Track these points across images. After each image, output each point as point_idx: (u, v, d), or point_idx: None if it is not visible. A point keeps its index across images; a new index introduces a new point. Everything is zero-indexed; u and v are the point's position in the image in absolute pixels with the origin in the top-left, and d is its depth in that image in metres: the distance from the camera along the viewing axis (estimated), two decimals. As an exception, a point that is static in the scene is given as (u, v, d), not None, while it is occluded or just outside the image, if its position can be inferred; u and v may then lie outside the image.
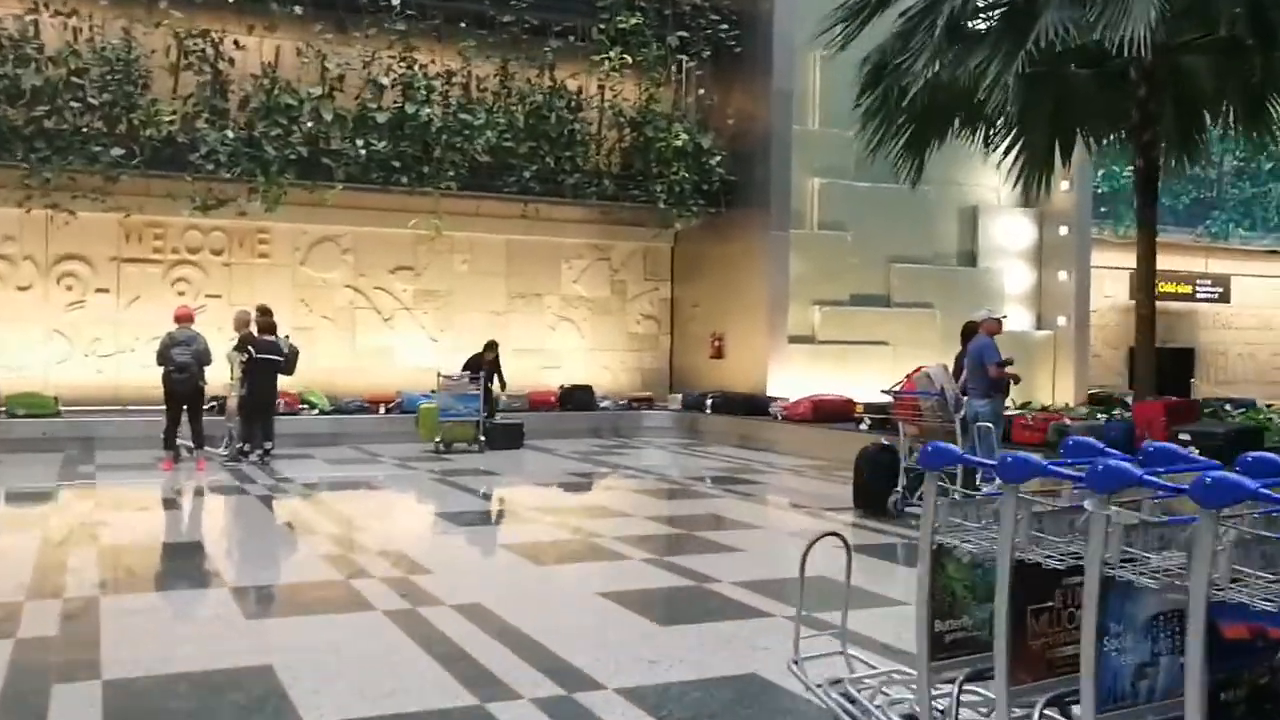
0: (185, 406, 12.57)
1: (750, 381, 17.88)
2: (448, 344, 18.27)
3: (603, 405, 18.63)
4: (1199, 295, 23.50)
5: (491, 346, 15.96)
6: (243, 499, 10.64)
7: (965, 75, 11.32)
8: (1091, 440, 3.32)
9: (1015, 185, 14.23)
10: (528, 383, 18.13)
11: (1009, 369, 10.39)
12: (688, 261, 20.02)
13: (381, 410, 15.80)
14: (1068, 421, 11.34)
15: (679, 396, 18.58)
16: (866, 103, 13.01)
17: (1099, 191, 21.41)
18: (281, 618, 6.07)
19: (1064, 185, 19.68)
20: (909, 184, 13.93)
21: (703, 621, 5.75)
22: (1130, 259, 23.11)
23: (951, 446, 3.13)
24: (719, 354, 19.02)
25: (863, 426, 9.43)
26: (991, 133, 14.18)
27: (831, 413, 15.31)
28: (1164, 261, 23.81)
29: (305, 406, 16.59)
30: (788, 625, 5.60)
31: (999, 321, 10.56)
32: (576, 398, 18.37)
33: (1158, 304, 24.03)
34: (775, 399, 16.66)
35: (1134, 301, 13.56)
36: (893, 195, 19.30)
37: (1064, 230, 20.89)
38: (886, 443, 9.80)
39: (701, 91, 18.79)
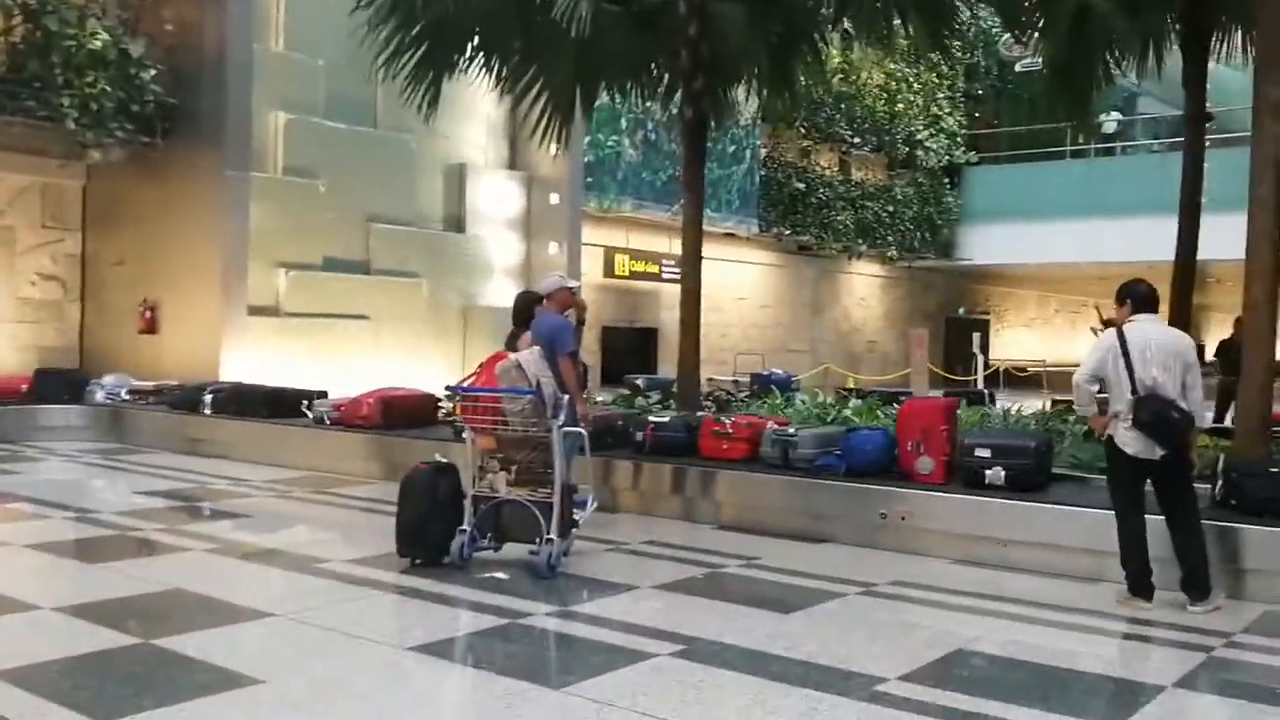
0: None
1: (197, 363, 13.88)
2: None
3: (104, 400, 13.38)
4: (665, 275, 23.10)
5: None
6: None
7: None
8: None
9: (541, 137, 11.99)
10: None
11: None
12: (108, 205, 15.33)
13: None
14: (790, 430, 8.27)
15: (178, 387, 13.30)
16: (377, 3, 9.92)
17: (586, 161, 19.99)
18: None
19: (553, 149, 18.00)
20: (424, 116, 11.17)
21: None
22: (608, 235, 22.50)
23: None
24: (151, 328, 14.70)
25: (466, 435, 6.04)
26: (506, 68, 11.98)
27: (409, 414, 11.12)
28: (637, 240, 23.36)
29: None
30: None
31: (572, 292, 7.96)
32: (58, 385, 13.33)
33: (630, 283, 23.88)
34: (314, 394, 11.98)
35: (681, 273, 11.99)
36: (372, 142, 16.49)
37: (555, 198, 19.22)
38: (444, 460, 6.91)
39: (130, -18, 14.32)
